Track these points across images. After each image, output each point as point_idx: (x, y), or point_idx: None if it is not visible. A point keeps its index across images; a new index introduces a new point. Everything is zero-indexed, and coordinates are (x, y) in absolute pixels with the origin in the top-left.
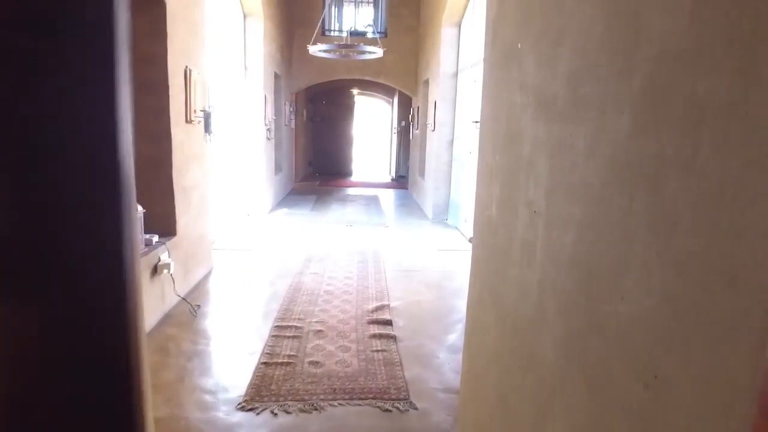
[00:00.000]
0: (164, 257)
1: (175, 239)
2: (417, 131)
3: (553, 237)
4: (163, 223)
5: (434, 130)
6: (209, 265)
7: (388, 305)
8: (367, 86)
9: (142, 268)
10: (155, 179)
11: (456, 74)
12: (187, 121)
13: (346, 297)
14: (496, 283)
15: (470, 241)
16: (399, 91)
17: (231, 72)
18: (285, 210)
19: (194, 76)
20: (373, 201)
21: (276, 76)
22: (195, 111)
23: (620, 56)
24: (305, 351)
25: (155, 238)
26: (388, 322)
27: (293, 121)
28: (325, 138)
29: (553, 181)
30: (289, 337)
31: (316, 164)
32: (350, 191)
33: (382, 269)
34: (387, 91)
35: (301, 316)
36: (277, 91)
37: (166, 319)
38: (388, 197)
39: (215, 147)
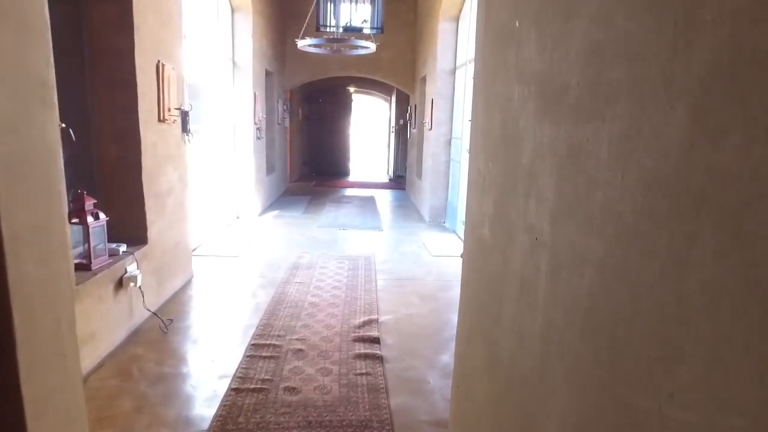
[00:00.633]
0: (131, 269)
1: (145, 248)
2: (414, 130)
3: (561, 277)
4: (132, 232)
5: (431, 129)
6: (188, 275)
7: (377, 320)
8: (365, 84)
9: (105, 281)
10: (123, 183)
11: (454, 71)
12: (160, 120)
13: (332, 310)
14: (489, 323)
15: (461, 256)
16: (397, 89)
17: (218, 68)
18: (276, 212)
19: (168, 72)
20: (369, 202)
21: (267, 73)
22: (170, 109)
23: (671, 19)
24: (282, 374)
25: (122, 248)
26: (376, 340)
27: (287, 120)
28: (321, 137)
29: (562, 201)
30: (265, 357)
31: (312, 164)
32: (346, 192)
33: (373, 278)
34: (385, 89)
35: (282, 332)
36: (269, 89)
37: (133, 336)
38: (385, 198)
39: (197, 147)
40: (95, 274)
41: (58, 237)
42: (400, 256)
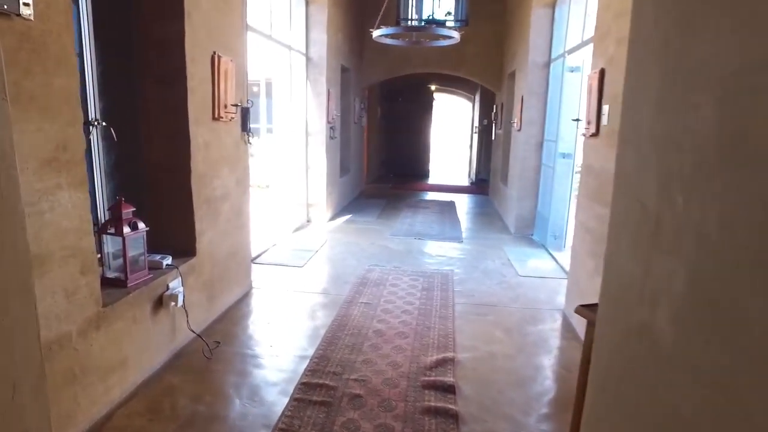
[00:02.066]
0: (174, 285)
1: (193, 261)
2: (500, 131)
3: None
4: (180, 242)
5: (520, 129)
6: (245, 287)
7: (453, 359)
8: (447, 82)
9: (142, 299)
10: (170, 189)
11: (548, 63)
12: (215, 118)
13: (399, 342)
14: None
15: (578, 311)
16: (481, 86)
17: (290, 63)
18: (348, 216)
19: (225, 65)
20: (449, 208)
21: (343, 69)
22: (226, 106)
23: None
24: (332, 430)
25: (167, 261)
26: (450, 389)
27: (364, 119)
28: (400, 137)
29: None
30: (316, 402)
31: (389, 165)
32: (424, 196)
33: (450, 301)
34: (468, 86)
35: (339, 368)
36: (344, 86)
37: (175, 361)
38: (466, 204)
39: (267, 147)
40: (129, 292)
41: (13, 270)
42: (482, 275)
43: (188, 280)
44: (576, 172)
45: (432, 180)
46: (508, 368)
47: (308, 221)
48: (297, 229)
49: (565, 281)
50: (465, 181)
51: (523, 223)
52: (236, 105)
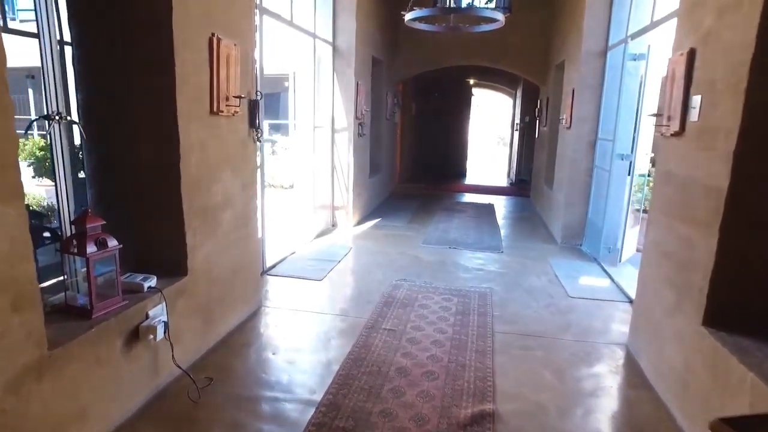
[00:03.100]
0: (156, 312)
1: (184, 281)
2: (545, 128)
3: None
4: (169, 259)
5: (570, 127)
6: (253, 306)
7: (492, 413)
8: (486, 75)
9: (110, 334)
10: (156, 196)
11: (604, 51)
12: (213, 113)
13: (426, 385)
14: None
15: (715, 428)
16: (523, 80)
17: (315, 53)
18: (377, 221)
19: (227, 49)
20: (487, 212)
21: (375, 61)
22: (228, 98)
23: None
24: None
25: (150, 282)
26: None
27: (397, 115)
28: (435, 135)
29: None
30: None
31: (424, 164)
32: (460, 197)
33: (488, 329)
34: (509, 80)
35: (350, 423)
36: (376, 80)
37: (155, 403)
38: (505, 207)
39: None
40: (92, 326)
41: None
42: (526, 295)
43: (176, 304)
44: (639, 176)
45: (469, 180)
46: (562, 429)
47: (333, 225)
48: (320, 234)
49: (625, 306)
50: (504, 182)
51: (571, 231)
52: (240, 97)
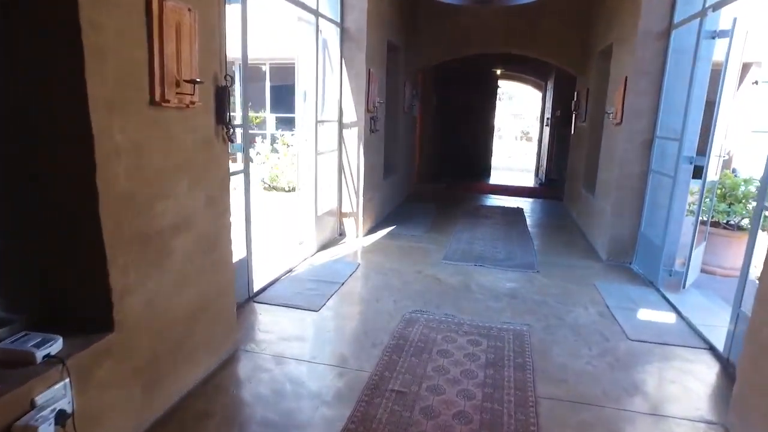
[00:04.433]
0: (49, 396)
1: (108, 340)
2: (583, 124)
3: None
4: (87, 309)
5: (620, 122)
6: (227, 351)
7: None
8: (513, 65)
9: None
10: (65, 222)
11: (668, 31)
12: (155, 103)
13: None
14: None
15: None
16: (556, 70)
17: (319, 35)
18: (391, 228)
19: (176, 14)
20: (516, 219)
21: (391, 46)
22: (178, 84)
23: None
24: None
25: (48, 349)
26: None
27: (416, 108)
28: (458, 129)
29: None
30: None
31: (445, 161)
32: (485, 199)
33: (529, 392)
34: (538, 71)
35: None
36: (392, 68)
37: None
38: (536, 212)
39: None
40: None
41: None
42: (573, 336)
43: (96, 373)
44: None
45: (494, 179)
46: None
47: (340, 235)
48: (324, 246)
49: (706, 356)
50: (532, 182)
51: (619, 246)
52: (194, 82)
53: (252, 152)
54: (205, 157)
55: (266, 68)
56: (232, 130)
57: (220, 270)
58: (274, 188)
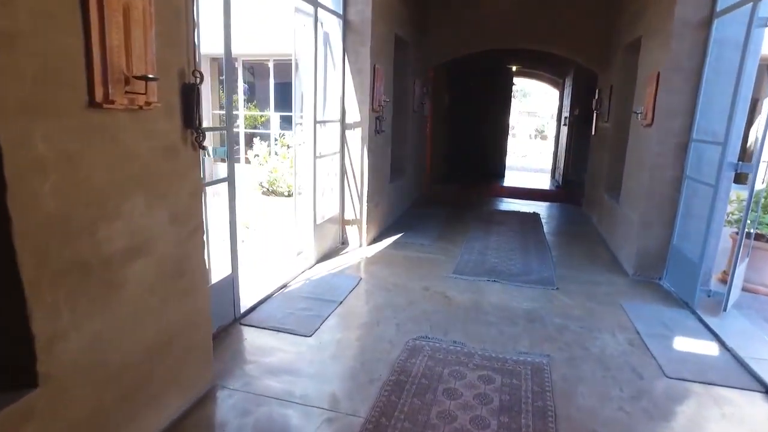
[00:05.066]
0: None
1: (29, 399)
2: (606, 124)
3: None
4: (6, 358)
5: (651, 123)
6: (196, 392)
7: None
8: (529, 62)
9: None
10: None
11: (709, 20)
12: (95, 105)
13: None
14: None
15: None
16: (575, 67)
17: (318, 27)
18: (398, 236)
19: None
20: (532, 226)
21: (399, 41)
22: (128, 81)
23: None
24: None
25: None
26: None
27: (427, 107)
28: (470, 129)
29: None
30: None
31: (456, 162)
32: (498, 203)
33: None
34: (556, 67)
35: None
36: (401, 64)
37: None
38: (554, 218)
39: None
40: None
41: None
42: (601, 371)
43: None
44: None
45: (508, 181)
46: None
47: (343, 243)
48: (324, 257)
49: (756, 398)
50: (547, 184)
51: (647, 260)
52: (146, 78)
53: (250, 154)
54: (168, 168)
55: (270, 65)
56: (202, 135)
57: (191, 297)
58: (274, 192)
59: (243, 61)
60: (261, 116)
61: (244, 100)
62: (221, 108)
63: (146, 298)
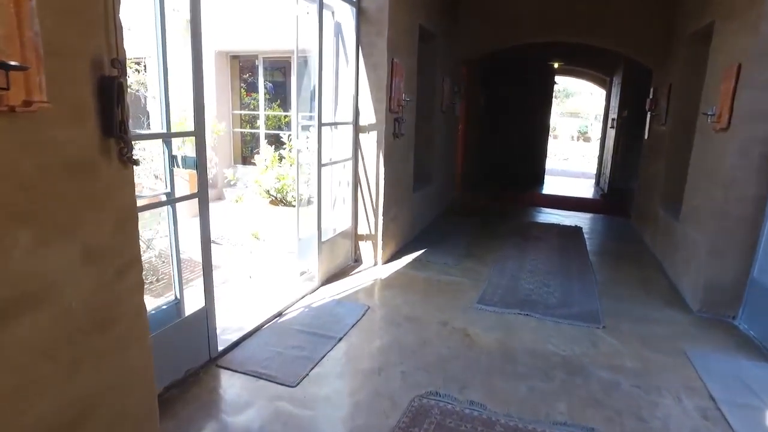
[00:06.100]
0: None
1: None
2: (663, 127)
3: None
4: None
5: (726, 128)
6: None
7: None
8: (572, 58)
9: None
10: None
11: None
12: None
13: None
14: None
15: None
16: (624, 64)
17: (327, 17)
18: (419, 254)
19: None
20: (574, 243)
21: (425, 32)
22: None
23: None
24: None
25: None
26: None
27: (458, 106)
28: (507, 130)
29: None
30: None
31: (492, 167)
32: (535, 214)
33: None
34: (603, 64)
35: None
36: (428, 60)
37: None
38: (598, 233)
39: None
40: None
41: None
42: None
43: None
44: None
45: (547, 187)
46: None
47: (355, 261)
48: (333, 277)
49: None
50: (591, 191)
51: (718, 295)
52: (18, 67)
53: (258, 159)
54: (75, 192)
55: (293, 62)
56: (129, 146)
57: (121, 354)
58: (282, 201)
59: (263, 58)
60: (285, 116)
61: (268, 99)
62: (242, 107)
63: (40, 365)
